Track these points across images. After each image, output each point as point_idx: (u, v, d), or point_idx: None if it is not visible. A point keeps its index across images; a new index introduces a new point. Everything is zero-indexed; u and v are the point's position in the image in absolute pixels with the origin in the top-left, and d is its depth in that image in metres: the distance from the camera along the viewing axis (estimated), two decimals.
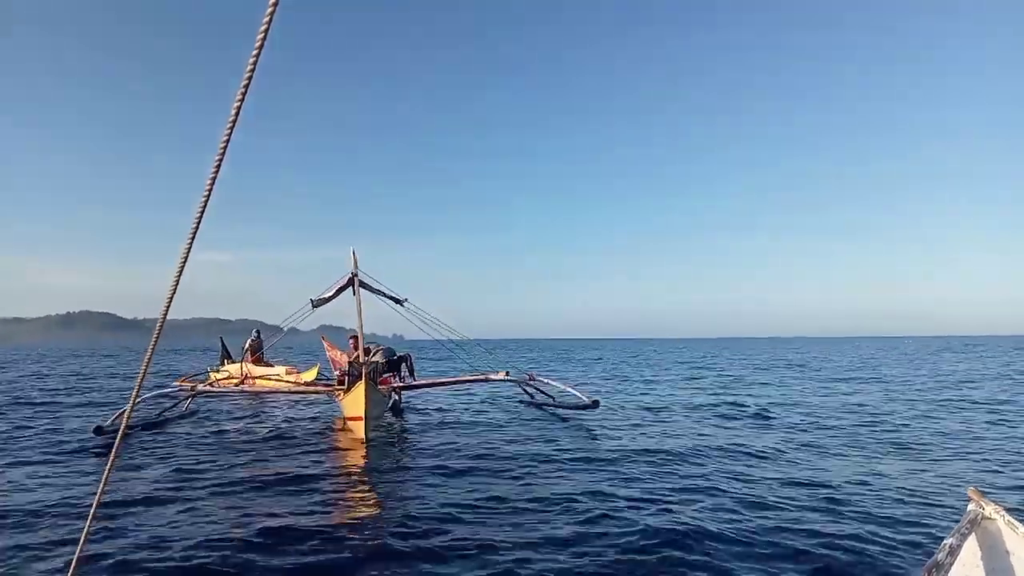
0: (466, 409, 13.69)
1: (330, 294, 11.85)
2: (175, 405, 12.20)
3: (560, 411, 12.57)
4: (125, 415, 1.81)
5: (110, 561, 4.41)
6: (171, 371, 27.19)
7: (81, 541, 1.90)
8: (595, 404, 11.81)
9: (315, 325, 14.78)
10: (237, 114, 1.52)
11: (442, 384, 13.50)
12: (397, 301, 12.43)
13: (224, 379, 13.16)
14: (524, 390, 14.44)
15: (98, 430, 9.49)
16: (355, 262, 11.72)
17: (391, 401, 12.39)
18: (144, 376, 1.76)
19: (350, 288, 11.74)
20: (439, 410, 13.53)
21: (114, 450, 1.83)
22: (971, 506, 2.59)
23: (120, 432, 1.89)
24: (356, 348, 12.04)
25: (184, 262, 1.54)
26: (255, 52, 1.46)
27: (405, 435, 10.50)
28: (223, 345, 18.33)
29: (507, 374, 13.07)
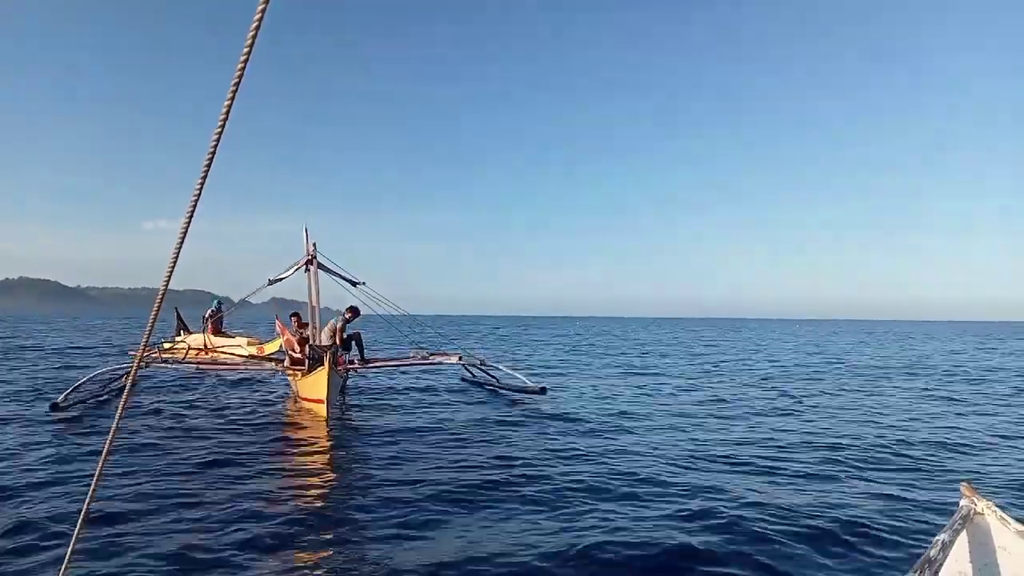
0: (414, 389, 13.84)
1: (287, 274, 11.92)
2: (122, 377, 11.83)
3: (505, 393, 12.86)
4: (118, 412, 1.70)
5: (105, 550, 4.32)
6: (120, 343, 26.50)
7: (77, 528, 1.84)
8: (542, 391, 12.09)
9: (267, 298, 14.51)
10: (235, 91, 1.40)
11: (395, 365, 13.47)
12: (353, 284, 12.42)
13: (182, 350, 12.74)
14: (471, 372, 14.69)
15: (54, 407, 9.37)
16: (312, 243, 11.71)
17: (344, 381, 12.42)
18: (143, 353, 1.82)
19: (306, 269, 11.74)
20: (388, 389, 13.71)
21: (108, 443, 1.73)
22: (963, 502, 2.62)
23: (113, 429, 1.77)
24: (300, 327, 12.26)
25: (183, 238, 1.41)
26: (253, 27, 1.34)
27: (359, 415, 10.62)
28: (178, 316, 17.81)
29: (460, 358, 13.27)
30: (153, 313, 1.61)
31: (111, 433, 1.73)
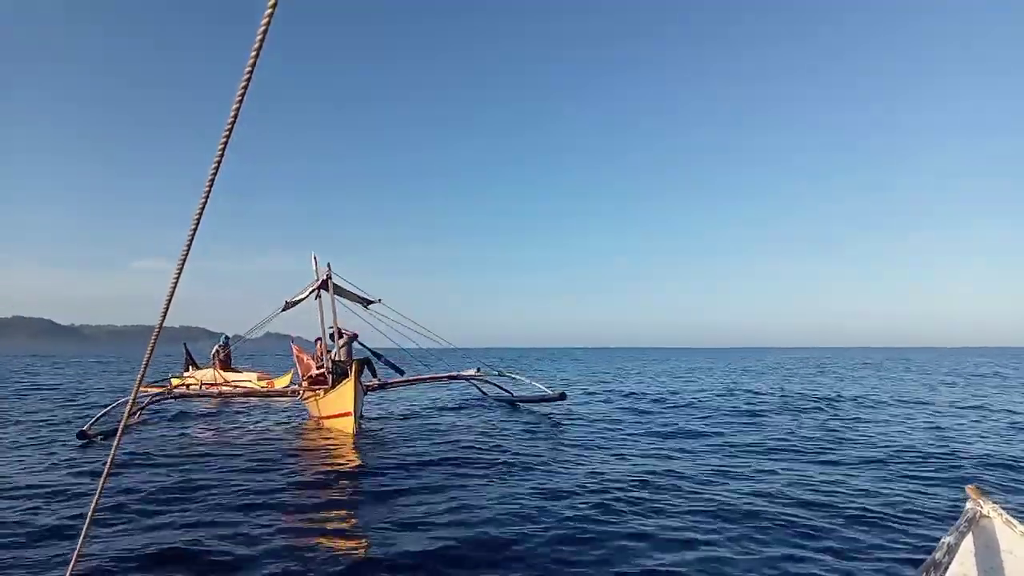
0: (433, 404, 13.99)
1: (303, 296, 11.95)
2: (145, 405, 11.88)
3: (526, 403, 13.02)
4: (123, 419, 1.80)
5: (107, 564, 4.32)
6: (125, 379, 26.30)
7: (79, 545, 1.86)
8: (562, 396, 12.34)
9: (262, 332, 14.57)
10: (236, 116, 1.42)
11: (413, 382, 13.39)
12: (369, 302, 12.46)
13: (194, 385, 12.79)
14: (484, 388, 14.63)
15: (81, 434, 9.49)
16: (326, 267, 11.69)
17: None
18: (141, 380, 1.73)
19: (321, 291, 11.78)
20: (404, 406, 13.81)
21: (111, 455, 1.76)
22: (969, 504, 2.61)
23: (117, 438, 1.86)
24: (322, 353, 12.15)
25: (180, 270, 1.42)
26: (254, 52, 1.37)
27: (379, 431, 10.63)
28: (187, 351, 17.90)
29: (478, 371, 13.27)
30: (149, 348, 1.63)
31: (109, 460, 1.76)
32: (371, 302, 12.47)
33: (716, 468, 7.38)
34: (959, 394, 17.32)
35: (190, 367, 17.10)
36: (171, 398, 11.93)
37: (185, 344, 18.24)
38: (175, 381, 13.58)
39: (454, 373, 13.23)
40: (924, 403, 14.77)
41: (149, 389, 12.60)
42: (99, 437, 9.60)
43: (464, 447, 8.69)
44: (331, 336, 11.78)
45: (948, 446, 8.48)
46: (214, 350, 16.57)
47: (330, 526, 5.25)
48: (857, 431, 10.13)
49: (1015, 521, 2.45)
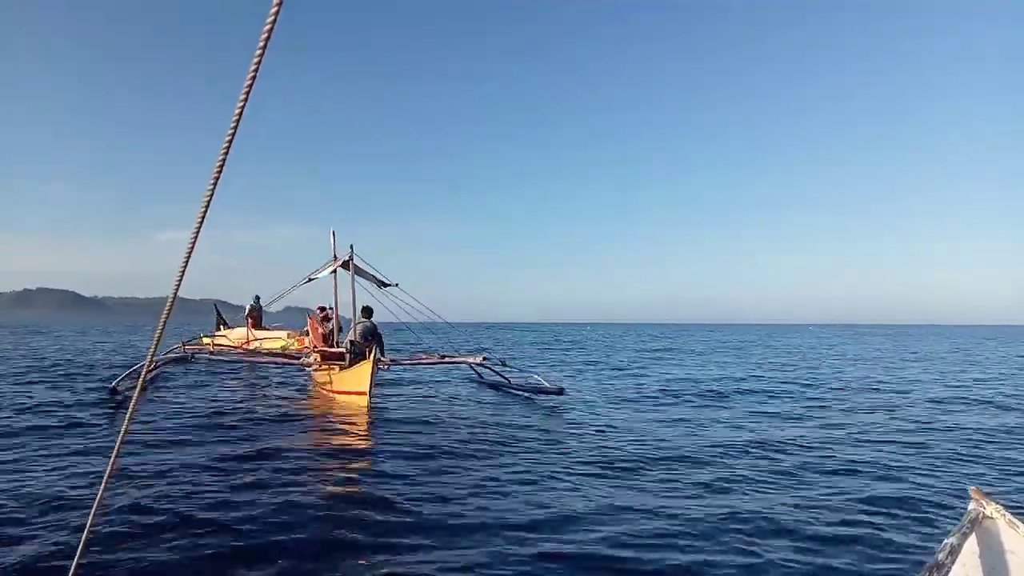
0: (438, 385, 14.28)
1: (324, 273, 12.41)
2: (160, 365, 12.43)
3: (524, 393, 13.13)
4: (140, 379, 1.90)
5: (124, 525, 4.41)
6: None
7: (94, 506, 1.89)
8: (560, 391, 12.34)
9: (282, 307, 14.94)
10: (245, 100, 1.43)
11: (417, 364, 13.76)
12: (386, 284, 12.64)
13: (226, 343, 13.21)
14: (483, 374, 15.11)
15: (113, 391, 10.00)
16: (350, 244, 11.98)
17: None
18: (158, 343, 1.79)
19: (341, 269, 12.16)
20: (413, 386, 14.10)
21: (129, 414, 1.83)
22: (972, 505, 2.58)
23: (134, 399, 1.88)
24: (324, 319, 12.96)
25: (192, 246, 1.45)
26: (264, 36, 1.38)
27: (387, 408, 10.88)
28: (218, 312, 18.48)
29: (484, 358, 13.42)
30: (163, 317, 1.66)
31: (123, 427, 1.79)
32: (387, 285, 12.63)
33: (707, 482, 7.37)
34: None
35: (221, 327, 17.57)
36: (189, 358, 12.36)
37: (216, 305, 18.81)
38: (206, 340, 13.96)
39: (459, 358, 13.43)
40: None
41: (184, 347, 13.02)
42: (127, 391, 10.02)
43: (469, 429, 8.83)
44: (363, 311, 11.98)
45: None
46: (247, 309, 17.04)
47: (346, 496, 5.34)
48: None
49: (1018, 522, 2.42)
